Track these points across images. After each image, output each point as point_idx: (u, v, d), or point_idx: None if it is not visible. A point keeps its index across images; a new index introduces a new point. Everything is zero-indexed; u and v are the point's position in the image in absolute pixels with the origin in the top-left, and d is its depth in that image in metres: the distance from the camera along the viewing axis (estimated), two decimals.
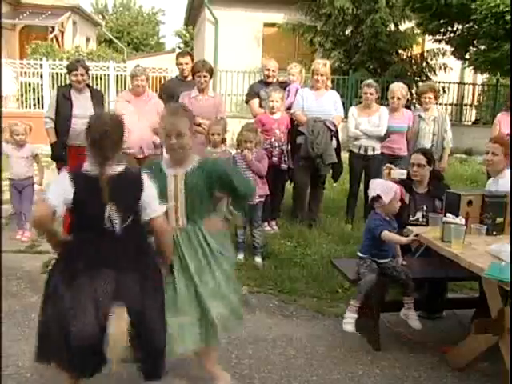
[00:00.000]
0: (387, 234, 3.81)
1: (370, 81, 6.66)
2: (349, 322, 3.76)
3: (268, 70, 6.69)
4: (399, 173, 4.55)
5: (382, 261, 3.89)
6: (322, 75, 6.34)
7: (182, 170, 2.99)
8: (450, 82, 15.28)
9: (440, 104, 6.52)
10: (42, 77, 13.68)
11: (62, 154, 5.66)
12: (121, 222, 2.68)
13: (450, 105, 15.48)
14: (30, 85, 13.81)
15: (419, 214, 4.50)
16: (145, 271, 2.78)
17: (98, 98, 5.80)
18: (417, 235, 3.78)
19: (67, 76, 6.04)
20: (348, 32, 15.16)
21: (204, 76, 5.88)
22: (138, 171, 2.90)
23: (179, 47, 38.16)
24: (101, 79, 13.83)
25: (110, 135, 2.79)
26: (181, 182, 2.98)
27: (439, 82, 14.26)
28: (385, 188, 3.91)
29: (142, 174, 2.83)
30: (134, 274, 2.72)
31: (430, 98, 6.41)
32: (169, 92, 6.34)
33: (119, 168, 2.80)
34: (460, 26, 11.92)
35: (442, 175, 5.03)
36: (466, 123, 15.74)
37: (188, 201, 2.98)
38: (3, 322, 4.01)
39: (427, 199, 4.55)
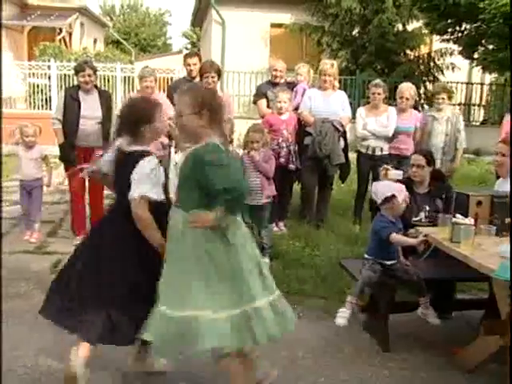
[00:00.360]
0: (395, 237, 3.79)
1: (378, 81, 6.65)
2: (341, 316, 3.77)
3: (275, 70, 6.69)
4: (396, 173, 4.56)
5: (389, 262, 3.87)
6: (329, 76, 6.34)
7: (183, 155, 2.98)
8: (457, 82, 15.23)
9: (449, 104, 6.50)
10: (49, 78, 13.75)
11: (70, 154, 5.67)
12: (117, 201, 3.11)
13: (458, 105, 15.40)
14: (38, 86, 13.89)
15: (422, 215, 4.50)
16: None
17: (105, 99, 5.81)
18: (426, 235, 3.77)
19: (75, 77, 6.06)
20: (355, 32, 15.14)
21: (212, 77, 5.89)
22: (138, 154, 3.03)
23: (186, 48, 38.19)
24: (108, 80, 13.88)
25: (127, 113, 3.11)
26: (179, 167, 2.96)
27: (447, 82, 14.20)
28: (396, 188, 3.93)
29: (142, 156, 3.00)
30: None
31: (443, 98, 6.40)
32: (176, 92, 6.34)
33: (134, 148, 3.05)
34: (468, 26, 11.87)
35: (443, 175, 5.03)
36: (474, 123, 15.67)
37: (179, 188, 2.93)
38: (12, 322, 4.03)
39: (428, 199, 4.56)
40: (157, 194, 2.98)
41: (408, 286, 3.89)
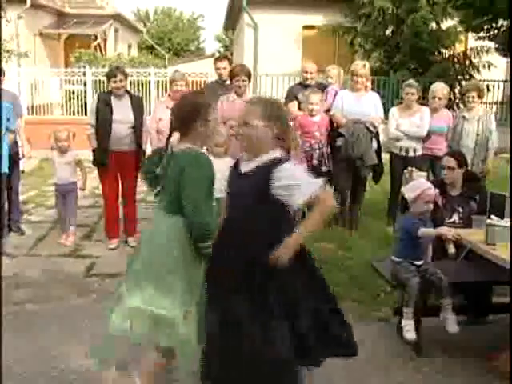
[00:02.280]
0: (425, 230, 3.75)
1: (411, 81, 6.56)
2: (408, 330, 3.70)
3: (306, 72, 6.68)
4: (419, 175, 4.51)
5: (418, 263, 3.81)
6: (361, 76, 6.28)
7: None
8: (494, 81, 14.90)
9: (484, 103, 6.33)
10: (85, 84, 13.98)
11: (103, 159, 5.74)
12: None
13: (495, 103, 15.09)
14: (73, 92, 14.13)
15: (455, 217, 4.44)
16: None
17: (137, 104, 5.87)
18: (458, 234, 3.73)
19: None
20: (388, 32, 14.96)
21: (243, 80, 5.88)
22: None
23: (219, 52, 38.42)
24: (142, 85, 14.04)
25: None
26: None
27: (483, 81, 13.91)
28: (411, 186, 3.94)
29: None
30: None
31: (473, 97, 6.23)
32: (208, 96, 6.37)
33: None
34: (505, 22, 11.60)
35: (477, 176, 4.93)
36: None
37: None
38: (45, 324, 4.10)
39: (462, 201, 4.50)
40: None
41: (433, 287, 3.80)
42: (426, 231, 3.75)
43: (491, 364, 3.59)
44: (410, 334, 3.69)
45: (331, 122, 6.35)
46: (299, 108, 6.58)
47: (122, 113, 5.70)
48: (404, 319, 3.73)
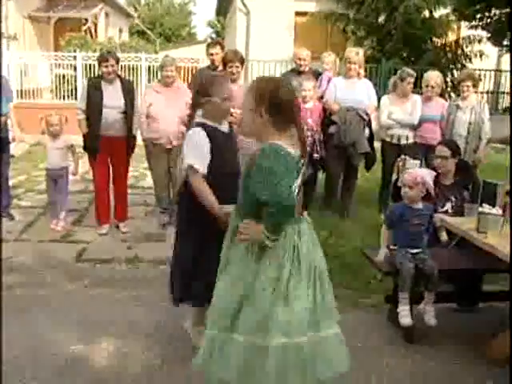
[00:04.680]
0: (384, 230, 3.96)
1: (409, 69, 6.49)
2: (404, 315, 3.70)
3: (299, 59, 6.64)
4: (412, 163, 4.51)
5: (413, 251, 3.82)
6: (354, 63, 6.26)
7: None
8: (486, 70, 14.92)
9: (476, 92, 6.33)
10: (75, 68, 13.84)
11: (93, 144, 5.70)
12: None
13: (486, 93, 15.13)
14: (64, 76, 13.99)
15: (448, 205, 4.46)
16: None
17: (128, 88, 5.80)
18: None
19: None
20: (381, 19, 14.91)
21: (236, 66, 5.84)
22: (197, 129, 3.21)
23: (211, 37, 38.15)
24: (133, 70, 13.92)
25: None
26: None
27: (475, 70, 13.93)
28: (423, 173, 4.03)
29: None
30: None
31: (468, 86, 6.22)
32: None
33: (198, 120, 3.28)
34: (497, 11, 11.62)
35: (469, 165, 4.95)
36: (502, 111, 15.36)
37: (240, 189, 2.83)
38: (37, 310, 4.09)
39: (455, 190, 4.52)
40: (200, 166, 3.12)
41: (422, 278, 3.80)
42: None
43: (482, 351, 3.62)
44: (406, 319, 3.69)
45: (324, 109, 6.34)
46: None
47: (113, 98, 5.64)
48: (400, 305, 3.73)
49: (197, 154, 3.16)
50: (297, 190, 2.49)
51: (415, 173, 3.91)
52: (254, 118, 2.52)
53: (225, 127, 3.37)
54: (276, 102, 2.48)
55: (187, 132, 3.28)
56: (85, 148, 5.85)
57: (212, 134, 3.22)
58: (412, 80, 6.31)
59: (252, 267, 2.53)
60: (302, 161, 2.57)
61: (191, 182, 3.17)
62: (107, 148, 5.70)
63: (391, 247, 3.92)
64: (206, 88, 3.29)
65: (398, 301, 3.75)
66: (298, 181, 2.53)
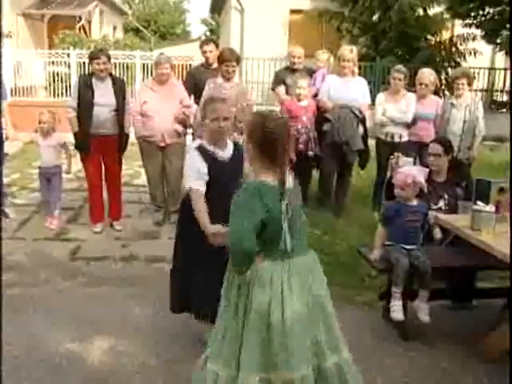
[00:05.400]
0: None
1: (400, 66, 6.54)
2: (396, 310, 3.70)
3: (294, 56, 6.65)
4: (406, 160, 4.52)
5: (408, 247, 3.83)
6: (348, 61, 6.26)
7: None
8: (480, 68, 14.95)
9: (470, 90, 6.33)
10: (69, 66, 13.80)
11: (84, 143, 5.67)
12: None
13: (480, 91, 15.16)
14: (58, 74, 13.94)
15: (441, 203, 4.47)
16: None
17: (119, 86, 5.75)
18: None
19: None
20: (375, 18, 14.91)
21: (232, 66, 5.79)
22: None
23: (205, 35, 38.12)
24: (127, 68, 13.89)
25: None
26: None
27: (469, 68, 13.96)
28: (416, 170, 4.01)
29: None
30: None
31: (463, 83, 6.22)
32: (194, 79, 6.34)
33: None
34: (491, 10, 11.63)
35: (461, 163, 4.96)
36: (496, 109, 15.40)
37: None
38: (32, 309, 4.08)
39: (448, 187, 4.53)
40: (198, 186, 3.26)
41: (416, 274, 3.80)
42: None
43: (476, 348, 3.63)
44: (397, 314, 3.69)
45: (318, 106, 6.34)
46: (287, 92, 6.56)
47: (104, 95, 5.61)
48: (392, 299, 3.73)
49: (195, 175, 3.28)
50: (287, 217, 2.47)
51: (405, 173, 3.91)
52: (248, 154, 2.62)
53: (223, 152, 3.39)
54: (262, 137, 2.49)
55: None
56: (76, 146, 5.83)
57: (206, 158, 3.30)
58: (400, 76, 6.30)
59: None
60: (286, 187, 2.50)
61: (192, 202, 3.29)
62: (99, 146, 5.68)
63: (386, 243, 3.93)
64: (202, 110, 3.49)
65: (391, 296, 3.76)
66: (296, 216, 2.54)
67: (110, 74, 5.81)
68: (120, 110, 5.69)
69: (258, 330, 2.46)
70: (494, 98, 15.85)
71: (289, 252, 2.51)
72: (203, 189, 3.27)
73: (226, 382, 2.52)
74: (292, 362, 2.44)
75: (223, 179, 3.26)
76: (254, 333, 2.46)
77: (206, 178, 3.28)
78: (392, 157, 4.55)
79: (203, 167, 3.27)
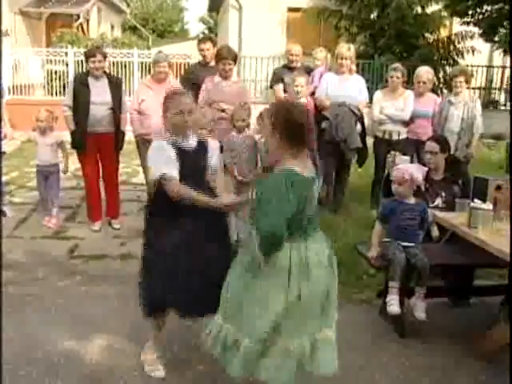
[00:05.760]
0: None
1: (397, 64, 6.56)
2: (392, 304, 3.70)
3: (291, 54, 6.65)
4: (403, 159, 4.54)
5: (404, 244, 3.83)
6: (346, 59, 6.26)
7: None
8: (478, 66, 14.97)
9: (468, 88, 6.34)
10: (67, 65, 13.78)
11: (81, 142, 5.67)
12: None
13: (478, 88, 15.17)
14: (55, 72, 13.92)
15: (438, 200, 4.49)
16: None
17: (115, 85, 5.76)
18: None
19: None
20: (373, 16, 14.91)
21: (229, 64, 5.79)
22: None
23: (203, 33, 38.01)
24: (125, 66, 13.87)
25: None
26: None
27: (467, 66, 13.96)
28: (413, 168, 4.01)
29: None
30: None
31: (461, 81, 6.22)
32: (191, 77, 6.33)
33: None
34: (489, 7, 11.63)
35: (459, 160, 4.97)
36: (494, 107, 15.42)
37: None
38: (30, 307, 4.08)
39: (444, 185, 4.55)
40: (173, 172, 3.05)
41: (413, 272, 3.81)
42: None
43: (474, 345, 3.64)
44: (394, 307, 3.69)
45: (316, 104, 6.34)
46: (285, 90, 6.56)
47: (100, 94, 5.61)
48: (389, 294, 3.73)
49: (165, 161, 3.08)
50: (313, 209, 2.66)
51: (403, 169, 3.92)
52: (271, 143, 2.62)
53: (189, 143, 3.23)
54: (289, 125, 2.56)
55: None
56: (73, 145, 5.82)
57: (173, 147, 3.14)
58: (397, 74, 6.31)
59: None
60: (316, 180, 2.68)
61: (169, 191, 3.04)
62: (95, 145, 5.68)
63: (384, 239, 3.93)
64: (163, 105, 3.24)
65: (388, 291, 3.76)
66: (314, 201, 2.68)
67: (106, 73, 5.81)
68: (116, 109, 5.69)
69: (274, 302, 2.57)
70: (492, 96, 15.86)
71: (307, 234, 2.65)
72: (177, 175, 3.07)
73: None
74: (295, 333, 2.62)
75: (191, 168, 3.14)
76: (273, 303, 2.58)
77: (178, 165, 3.10)
78: (389, 155, 4.56)
79: (172, 153, 3.10)
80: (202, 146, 3.30)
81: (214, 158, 3.32)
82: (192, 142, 3.24)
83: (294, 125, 2.56)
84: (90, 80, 5.63)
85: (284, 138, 2.57)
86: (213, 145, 3.39)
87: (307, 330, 2.67)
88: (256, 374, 2.67)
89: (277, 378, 2.63)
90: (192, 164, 3.15)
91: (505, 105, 15.74)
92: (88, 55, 5.65)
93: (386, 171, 4.69)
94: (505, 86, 16.16)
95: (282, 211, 2.43)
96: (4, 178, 6.98)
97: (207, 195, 3.04)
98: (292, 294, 2.57)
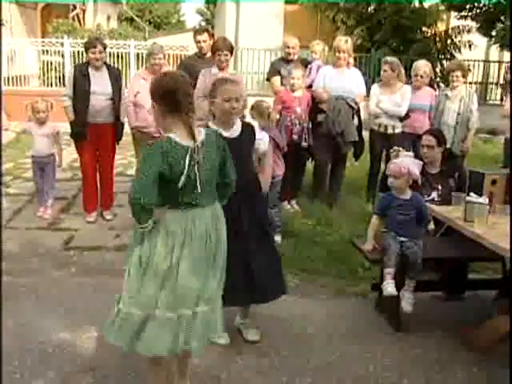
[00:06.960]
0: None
1: (387, 58, 6.55)
2: (388, 286, 3.65)
3: (288, 47, 6.62)
4: (406, 155, 4.53)
5: (401, 239, 3.82)
6: (343, 52, 6.24)
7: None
8: (475, 60, 14.96)
9: (465, 82, 6.33)
10: (63, 55, 13.71)
11: (81, 131, 5.66)
12: None
13: (474, 83, 15.17)
14: (51, 63, 13.86)
15: (434, 194, 4.50)
16: None
17: (115, 75, 5.76)
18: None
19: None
20: (371, 9, 14.87)
21: (225, 54, 5.77)
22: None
23: (200, 25, 37.85)
24: (122, 58, 13.82)
25: None
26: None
27: (464, 60, 13.96)
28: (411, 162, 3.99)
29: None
30: None
31: (457, 76, 6.21)
32: (188, 69, 6.29)
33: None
34: (486, 2, 11.63)
35: (455, 154, 4.97)
36: (491, 102, 15.43)
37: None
38: (24, 298, 4.07)
39: (441, 179, 4.55)
40: None
41: (406, 265, 3.80)
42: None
43: (466, 338, 3.66)
44: (390, 289, 3.64)
45: (313, 97, 6.33)
46: (282, 83, 6.54)
47: (100, 84, 5.60)
48: (384, 279, 3.70)
49: None
50: (185, 179, 2.57)
51: (400, 163, 3.91)
52: (154, 113, 2.75)
53: (229, 132, 3.30)
54: (162, 93, 2.65)
55: None
56: (72, 135, 5.80)
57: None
58: (385, 67, 6.33)
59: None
60: (195, 147, 2.61)
61: None
62: (95, 135, 5.67)
63: (381, 230, 3.92)
64: (211, 90, 3.34)
65: (383, 278, 3.74)
66: (188, 169, 2.58)
67: (105, 63, 5.80)
68: (116, 99, 5.68)
69: (155, 275, 2.64)
70: (489, 90, 15.86)
71: (193, 203, 2.65)
72: None
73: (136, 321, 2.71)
74: (174, 304, 2.66)
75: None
76: (152, 279, 2.66)
77: None
78: (392, 150, 4.55)
79: None
80: (247, 133, 3.41)
81: (261, 143, 3.51)
82: (236, 129, 3.35)
83: (165, 92, 2.62)
84: (90, 70, 5.62)
85: (159, 107, 2.66)
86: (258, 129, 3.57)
87: (185, 303, 2.69)
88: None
89: (153, 346, 2.68)
90: (233, 152, 3.08)
91: (501, 99, 15.73)
92: (88, 46, 5.63)
93: (385, 165, 4.69)
94: (501, 82, 16.16)
95: (146, 178, 2.49)
96: None
97: (249, 181, 3.23)
98: (173, 262, 2.62)
